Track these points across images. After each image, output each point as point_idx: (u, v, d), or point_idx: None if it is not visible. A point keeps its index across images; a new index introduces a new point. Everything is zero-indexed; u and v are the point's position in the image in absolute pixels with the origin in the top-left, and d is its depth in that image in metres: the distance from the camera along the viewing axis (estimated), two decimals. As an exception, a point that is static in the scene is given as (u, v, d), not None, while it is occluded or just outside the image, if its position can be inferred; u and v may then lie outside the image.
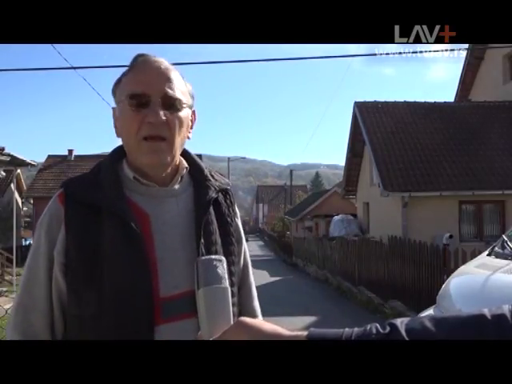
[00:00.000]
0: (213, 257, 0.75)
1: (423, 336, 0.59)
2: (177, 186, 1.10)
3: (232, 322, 0.69)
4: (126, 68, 1.09)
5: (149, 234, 1.02)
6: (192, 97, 1.12)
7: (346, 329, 0.62)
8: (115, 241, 0.99)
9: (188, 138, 1.12)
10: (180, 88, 1.06)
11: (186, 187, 1.13)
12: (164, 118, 1.00)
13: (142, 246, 0.99)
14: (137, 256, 0.98)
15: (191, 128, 1.13)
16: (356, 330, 0.62)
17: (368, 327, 0.62)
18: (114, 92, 1.09)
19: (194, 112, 1.14)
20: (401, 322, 0.62)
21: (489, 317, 0.60)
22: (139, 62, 1.06)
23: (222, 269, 0.74)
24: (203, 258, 0.75)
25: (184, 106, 1.06)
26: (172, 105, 1.03)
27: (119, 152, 1.12)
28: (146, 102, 1.00)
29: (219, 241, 1.10)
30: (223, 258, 0.76)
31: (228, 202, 1.18)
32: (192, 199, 1.12)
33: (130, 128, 1.02)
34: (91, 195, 1.03)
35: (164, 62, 1.06)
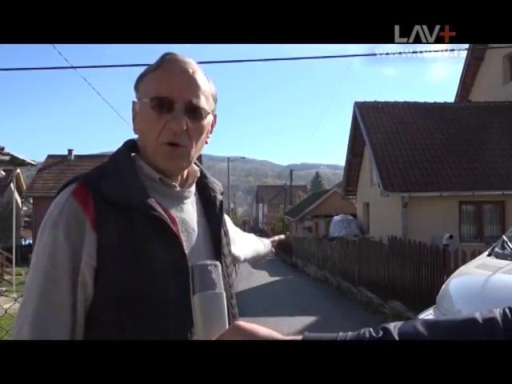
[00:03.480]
0: (208, 262, 0.75)
1: (416, 340, 0.60)
2: (192, 189, 1.11)
3: (227, 327, 0.69)
4: (153, 64, 1.04)
5: (180, 237, 1.01)
6: (215, 100, 1.09)
7: (340, 333, 0.63)
8: (152, 243, 0.96)
9: (206, 142, 1.10)
10: (205, 94, 1.02)
11: (194, 189, 1.13)
12: (185, 126, 0.98)
13: (181, 247, 0.98)
14: (175, 257, 0.97)
15: (210, 132, 1.11)
16: (350, 334, 0.63)
17: (362, 331, 0.63)
18: (136, 87, 1.06)
19: (215, 116, 1.11)
20: (394, 326, 0.62)
21: (480, 320, 0.61)
22: (167, 60, 1.02)
23: (217, 274, 0.74)
24: (198, 263, 0.75)
25: (207, 114, 1.03)
26: (195, 113, 1.00)
27: (133, 147, 1.08)
28: (169, 107, 0.98)
29: (225, 241, 1.15)
30: (218, 264, 0.76)
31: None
32: (200, 201, 1.13)
33: (150, 131, 0.99)
34: (123, 196, 0.97)
35: (192, 65, 1.02)
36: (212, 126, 1.11)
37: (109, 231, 0.94)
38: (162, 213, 0.98)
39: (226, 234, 1.18)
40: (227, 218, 1.26)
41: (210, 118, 1.06)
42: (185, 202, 1.08)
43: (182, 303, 0.94)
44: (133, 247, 0.94)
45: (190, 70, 1.01)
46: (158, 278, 0.95)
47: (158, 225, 0.97)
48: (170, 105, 0.98)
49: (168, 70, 1.01)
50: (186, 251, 1.00)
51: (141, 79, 1.05)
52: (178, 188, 1.06)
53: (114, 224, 0.95)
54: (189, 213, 1.07)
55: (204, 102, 1.02)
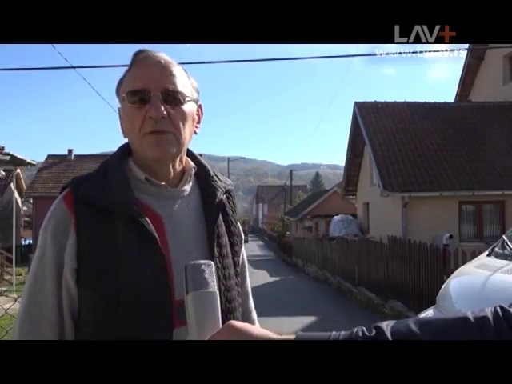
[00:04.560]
0: (201, 261, 0.75)
1: (408, 339, 0.60)
2: (186, 187, 1.09)
3: (220, 326, 0.69)
4: (128, 67, 1.07)
5: (163, 236, 1.00)
6: (197, 91, 1.10)
7: (333, 332, 0.63)
8: (130, 244, 0.96)
9: (195, 132, 1.10)
10: (182, 82, 1.03)
11: (193, 188, 1.11)
12: (165, 112, 0.98)
13: (158, 248, 0.97)
14: (153, 258, 0.96)
15: (198, 123, 1.11)
16: (343, 332, 0.63)
17: (355, 330, 0.63)
18: (117, 92, 1.07)
19: (200, 106, 1.12)
20: (386, 325, 0.63)
21: (472, 319, 0.61)
22: (139, 58, 1.04)
23: (210, 273, 0.73)
24: (191, 262, 0.74)
25: (187, 99, 1.03)
26: (174, 99, 1.00)
27: (125, 151, 1.09)
28: (146, 98, 0.99)
29: (228, 242, 1.11)
30: (211, 263, 0.75)
31: (231, 202, 1.17)
32: (200, 200, 1.10)
33: (133, 125, 1.00)
34: (102, 197, 0.99)
35: (164, 57, 1.04)
36: (199, 116, 1.11)
37: (87, 233, 0.96)
38: (141, 213, 0.98)
39: (233, 234, 1.14)
40: (239, 225, 1.21)
41: (192, 106, 1.06)
42: (177, 201, 1.06)
43: (162, 304, 0.95)
44: (111, 249, 0.95)
45: (162, 61, 1.03)
46: (135, 280, 0.95)
47: (137, 226, 0.97)
48: (147, 95, 0.99)
49: (140, 65, 1.03)
50: (174, 252, 1.00)
51: (120, 83, 1.07)
52: (168, 187, 1.06)
53: (94, 226, 0.97)
54: (181, 212, 1.06)
55: (182, 87, 1.02)
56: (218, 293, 0.73)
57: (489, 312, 0.62)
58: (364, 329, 0.63)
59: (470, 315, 0.62)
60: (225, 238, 1.10)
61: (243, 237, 1.22)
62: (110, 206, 0.98)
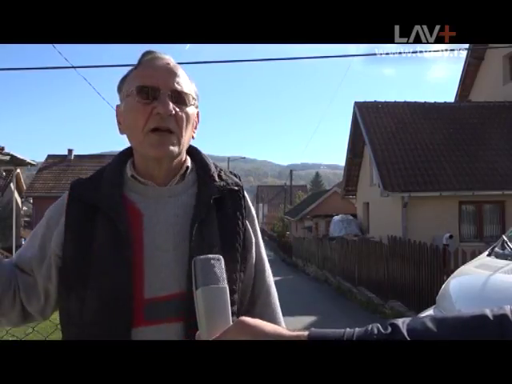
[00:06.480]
0: (210, 256, 0.74)
1: (425, 336, 0.59)
2: (177, 185, 1.08)
3: (231, 323, 0.68)
4: (133, 65, 1.10)
5: (139, 234, 1.01)
6: (197, 97, 1.11)
7: (348, 329, 0.62)
8: (104, 240, 1.01)
9: (193, 137, 1.11)
10: (187, 86, 1.07)
11: (189, 186, 1.10)
12: (173, 111, 1.00)
13: (126, 245, 0.99)
14: (120, 256, 0.99)
15: (195, 128, 1.12)
16: (357, 330, 0.62)
17: (369, 327, 0.62)
18: (119, 88, 1.09)
19: (197, 113, 1.13)
20: (402, 322, 0.62)
21: (491, 317, 0.60)
22: (147, 58, 1.07)
23: (220, 268, 0.72)
24: (201, 257, 0.73)
25: (192, 102, 1.07)
26: (181, 99, 1.03)
27: (126, 153, 1.13)
28: (155, 95, 1.01)
29: (218, 243, 1.04)
30: (221, 257, 0.74)
31: (236, 204, 1.11)
32: (194, 199, 1.08)
33: (137, 121, 1.01)
34: (90, 194, 1.05)
35: (171, 60, 1.08)
36: (196, 122, 1.13)
37: (73, 227, 1.03)
38: (121, 211, 1.02)
39: (232, 234, 1.07)
40: (251, 229, 1.14)
41: (194, 110, 1.09)
42: (165, 199, 1.06)
43: (122, 302, 0.97)
44: (89, 246, 1.01)
45: (171, 63, 1.07)
46: (102, 277, 0.99)
47: (113, 224, 1.01)
48: (156, 92, 1.01)
49: (149, 65, 1.06)
50: (148, 250, 1.01)
51: (124, 80, 1.09)
52: (155, 186, 1.07)
53: (79, 221, 1.04)
54: (167, 211, 1.05)
55: (188, 90, 1.06)
56: (228, 288, 0.71)
57: (508, 310, 0.61)
58: (379, 326, 0.61)
59: (488, 313, 0.61)
60: (212, 239, 1.04)
61: (253, 238, 1.15)
62: (95, 202, 1.04)
